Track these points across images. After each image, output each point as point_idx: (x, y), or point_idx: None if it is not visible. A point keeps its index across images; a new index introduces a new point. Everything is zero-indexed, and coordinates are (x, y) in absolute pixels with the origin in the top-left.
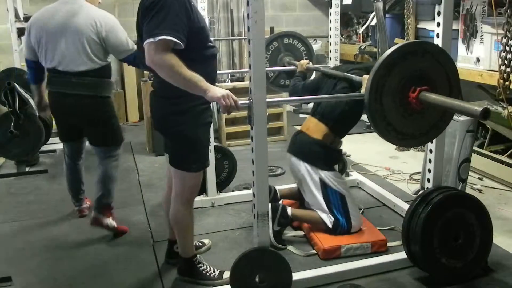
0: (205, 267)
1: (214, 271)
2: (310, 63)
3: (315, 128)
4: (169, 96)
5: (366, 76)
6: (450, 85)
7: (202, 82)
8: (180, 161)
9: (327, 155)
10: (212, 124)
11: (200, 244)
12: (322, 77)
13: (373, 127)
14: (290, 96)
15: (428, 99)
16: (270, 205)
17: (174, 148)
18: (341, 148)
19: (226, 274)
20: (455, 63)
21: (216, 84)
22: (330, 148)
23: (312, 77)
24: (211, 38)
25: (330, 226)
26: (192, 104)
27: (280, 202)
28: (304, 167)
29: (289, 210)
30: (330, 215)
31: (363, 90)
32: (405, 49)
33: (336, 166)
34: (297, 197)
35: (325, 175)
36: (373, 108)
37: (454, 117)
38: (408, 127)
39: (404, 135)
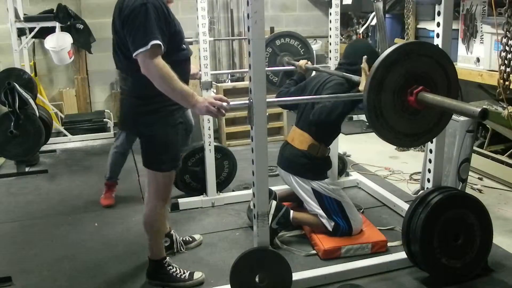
0: (174, 269)
1: (184, 273)
2: (309, 63)
3: (299, 139)
4: (140, 96)
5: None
6: (448, 86)
7: (190, 97)
8: (151, 161)
9: (315, 166)
10: (183, 125)
11: (191, 239)
12: (308, 81)
13: (371, 127)
14: (278, 104)
15: (427, 99)
16: (275, 203)
17: (145, 148)
18: (328, 155)
19: (197, 275)
20: (455, 63)
21: (216, 84)
22: (317, 158)
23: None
24: (188, 40)
25: (331, 229)
26: (162, 104)
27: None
28: (294, 180)
29: (291, 213)
30: (330, 220)
31: (361, 87)
32: (405, 49)
33: (336, 170)
34: (295, 199)
35: (317, 184)
36: (371, 108)
37: (454, 117)
38: (407, 127)
39: (403, 135)
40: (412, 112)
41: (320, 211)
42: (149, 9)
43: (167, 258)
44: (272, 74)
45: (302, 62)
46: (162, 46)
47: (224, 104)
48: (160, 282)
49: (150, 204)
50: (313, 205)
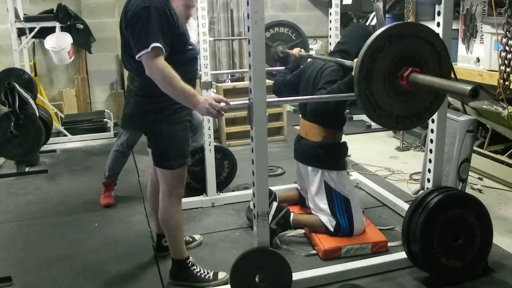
0: (198, 269)
1: (208, 273)
2: (303, 50)
3: (312, 131)
4: (148, 95)
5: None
6: (439, 60)
7: (192, 97)
8: (161, 159)
9: (333, 153)
10: (190, 123)
11: (191, 239)
12: (303, 69)
13: (369, 118)
14: (274, 94)
15: (418, 80)
16: (276, 204)
17: (155, 146)
18: (344, 141)
19: (221, 275)
20: (455, 63)
21: (216, 84)
22: (334, 144)
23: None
24: (191, 41)
25: (332, 229)
26: (168, 103)
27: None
28: (311, 171)
29: (291, 215)
30: (332, 219)
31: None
32: (393, 31)
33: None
34: (296, 201)
35: (332, 178)
36: (362, 91)
37: (454, 117)
38: (405, 109)
39: (403, 118)
40: (407, 94)
41: (325, 206)
42: (151, 12)
43: (191, 258)
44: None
45: (296, 51)
46: (164, 48)
47: (223, 104)
48: (184, 282)
49: (163, 201)
50: (320, 199)
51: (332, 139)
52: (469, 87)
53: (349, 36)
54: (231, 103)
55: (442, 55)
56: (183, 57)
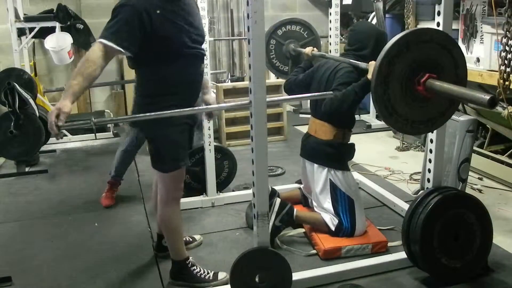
0: (198, 269)
1: (208, 273)
2: (315, 49)
3: (322, 129)
4: (145, 94)
5: (372, 63)
6: (456, 65)
7: (69, 95)
8: (156, 161)
9: (341, 153)
10: (187, 125)
11: (191, 239)
12: (315, 69)
13: (386, 123)
14: (286, 92)
15: (435, 87)
16: (279, 200)
17: (149, 148)
18: (353, 143)
19: (221, 275)
20: None
21: (216, 84)
22: (342, 144)
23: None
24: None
25: (333, 229)
26: (164, 104)
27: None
28: (316, 169)
29: (295, 211)
30: (334, 218)
31: (369, 76)
32: (411, 37)
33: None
34: (298, 201)
35: (338, 177)
36: (379, 96)
37: (454, 117)
38: (416, 114)
39: (419, 124)
40: (423, 99)
41: (329, 205)
42: (125, 11)
43: (190, 258)
44: (281, 64)
45: (308, 50)
46: (119, 49)
47: (56, 121)
48: (184, 282)
49: (161, 203)
50: (324, 198)
51: (341, 138)
52: (487, 97)
53: (362, 40)
54: (231, 103)
55: (458, 61)
56: (178, 56)
